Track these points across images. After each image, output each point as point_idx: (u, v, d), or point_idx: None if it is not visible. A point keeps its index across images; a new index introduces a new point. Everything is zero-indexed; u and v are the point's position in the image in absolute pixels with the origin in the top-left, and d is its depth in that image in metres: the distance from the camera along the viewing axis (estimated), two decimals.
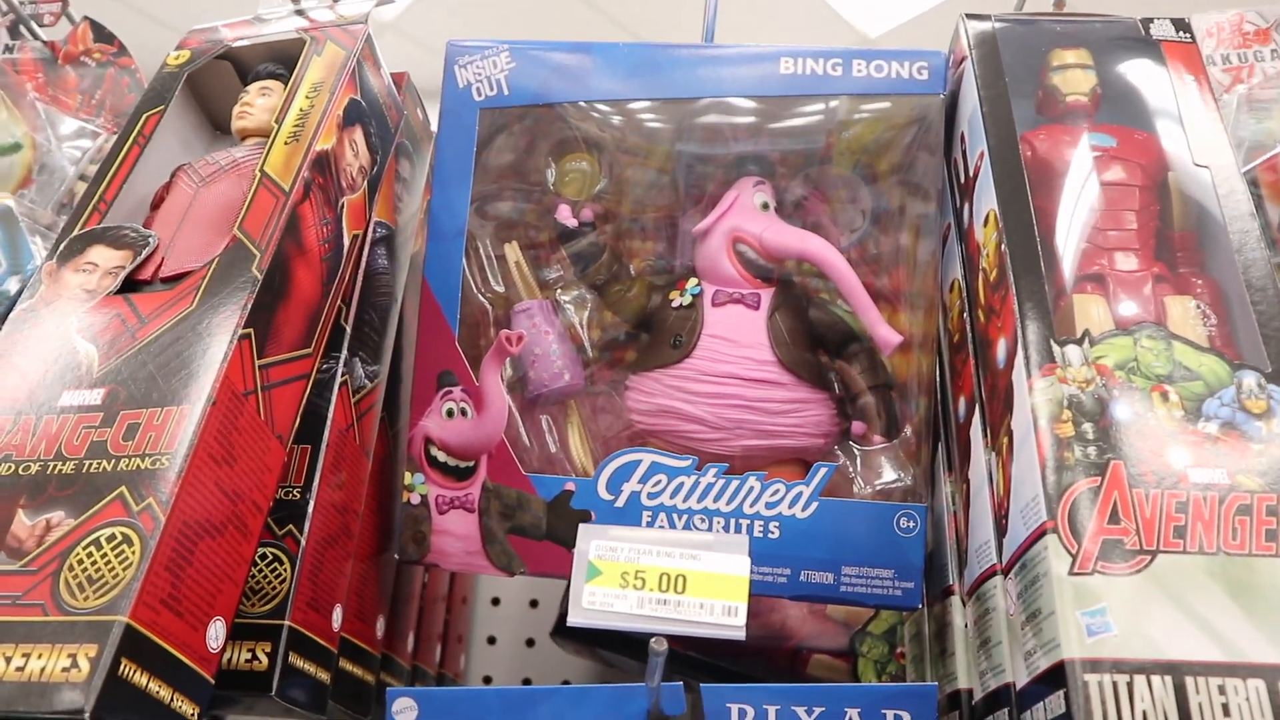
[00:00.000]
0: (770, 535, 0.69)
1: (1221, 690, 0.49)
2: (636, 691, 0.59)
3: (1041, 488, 0.56)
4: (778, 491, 0.70)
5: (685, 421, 0.73)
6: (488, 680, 1.07)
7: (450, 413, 0.74)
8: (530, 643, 1.08)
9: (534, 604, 1.09)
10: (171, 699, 0.50)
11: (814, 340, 0.76)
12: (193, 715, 0.51)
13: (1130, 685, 0.50)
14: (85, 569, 0.49)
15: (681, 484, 0.70)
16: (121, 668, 0.46)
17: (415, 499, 0.74)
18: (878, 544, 0.69)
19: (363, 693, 0.74)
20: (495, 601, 1.10)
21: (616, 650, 0.91)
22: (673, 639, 0.86)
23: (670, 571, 0.57)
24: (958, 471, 0.72)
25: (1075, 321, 0.63)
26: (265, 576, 0.63)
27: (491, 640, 1.08)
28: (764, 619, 0.89)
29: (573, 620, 0.57)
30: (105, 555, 0.49)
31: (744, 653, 0.89)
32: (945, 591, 0.71)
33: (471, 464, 0.73)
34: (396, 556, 0.74)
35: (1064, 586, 0.53)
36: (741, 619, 0.56)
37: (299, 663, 0.63)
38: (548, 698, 0.60)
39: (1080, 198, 0.69)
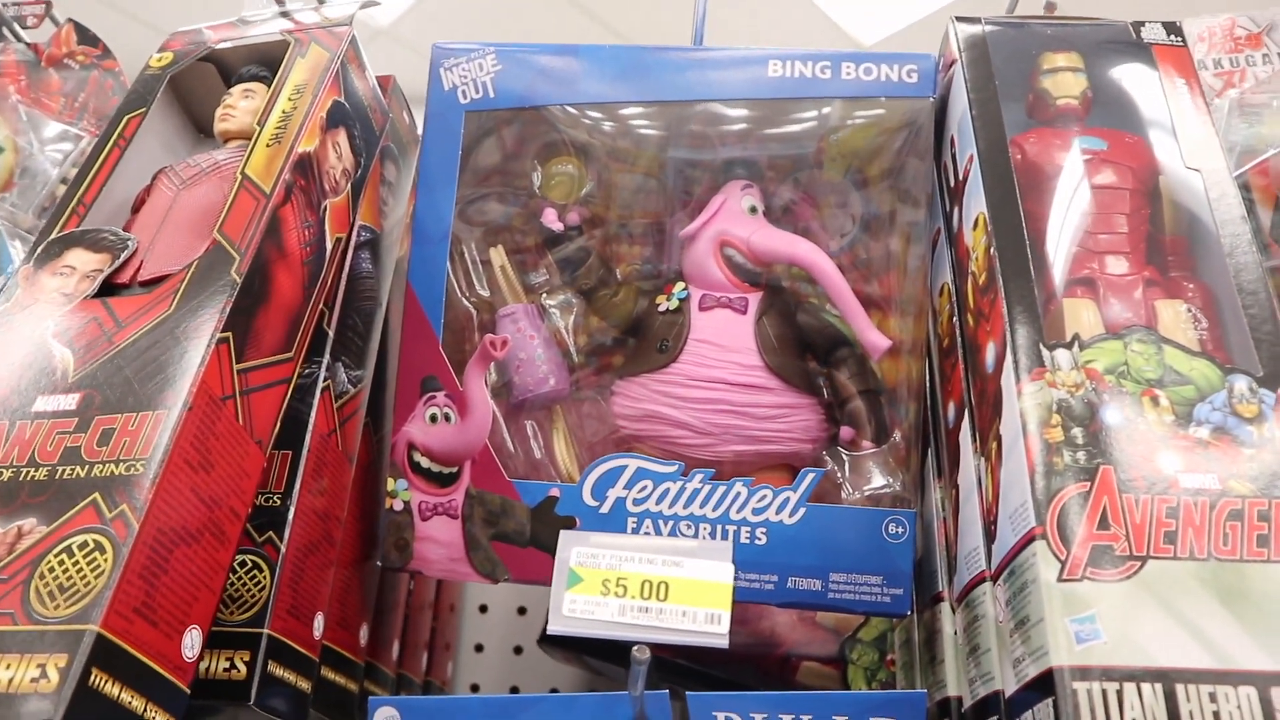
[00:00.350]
0: (757, 541, 0.68)
1: (1212, 698, 0.49)
2: (622, 700, 0.58)
3: (1030, 493, 0.56)
4: (765, 497, 0.69)
5: (672, 427, 0.72)
6: (475, 688, 1.06)
7: (434, 418, 0.73)
8: (518, 650, 1.07)
9: (522, 611, 1.08)
10: (145, 709, 0.49)
11: (802, 345, 0.75)
12: None
13: (1120, 693, 0.49)
14: (56, 577, 0.48)
15: (667, 490, 0.69)
16: (92, 678, 0.46)
17: (398, 505, 0.73)
18: (866, 550, 0.68)
19: (346, 701, 0.73)
20: (483, 609, 1.09)
21: (604, 658, 0.90)
22: (662, 646, 0.86)
23: (652, 579, 0.57)
24: (947, 477, 0.71)
25: (1065, 325, 0.63)
26: (244, 584, 0.62)
27: (479, 648, 1.07)
28: (753, 626, 0.88)
29: (553, 628, 0.56)
30: (77, 563, 0.48)
31: (733, 660, 0.88)
32: (935, 598, 0.70)
33: (455, 470, 0.72)
34: (379, 563, 0.73)
35: (1053, 593, 0.52)
36: (724, 627, 0.55)
37: (279, 671, 0.62)
38: (532, 706, 0.59)
39: (1070, 201, 0.69)
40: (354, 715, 0.74)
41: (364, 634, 0.77)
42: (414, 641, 0.93)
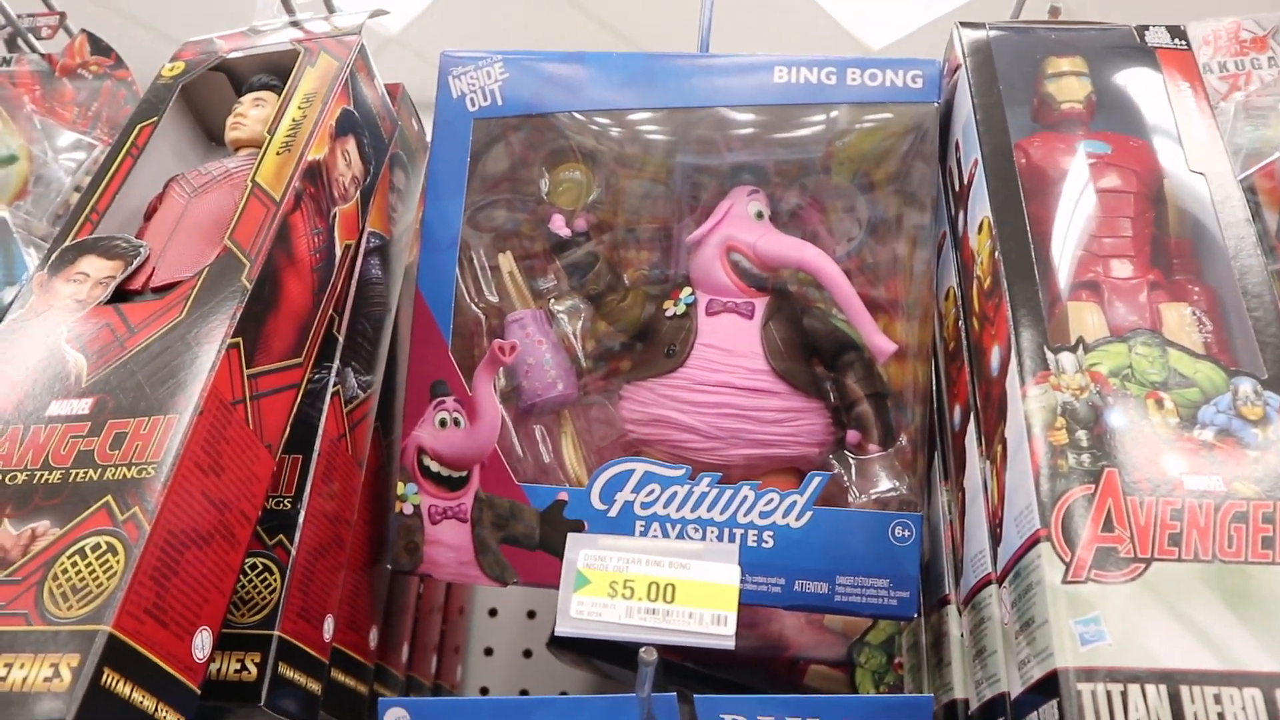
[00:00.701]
0: (764, 545, 0.69)
1: (1217, 699, 0.49)
2: (629, 702, 0.58)
3: (1035, 495, 0.56)
4: (772, 501, 0.69)
5: (679, 431, 0.72)
6: (484, 691, 1.07)
7: (443, 422, 0.74)
8: (528, 654, 1.07)
9: (531, 615, 1.08)
10: (156, 709, 0.49)
11: (809, 349, 0.75)
12: None
13: (1124, 694, 0.49)
14: (70, 578, 0.48)
15: (675, 493, 0.70)
16: (104, 678, 0.46)
17: (408, 509, 0.73)
18: (873, 553, 0.68)
19: (355, 704, 0.74)
20: (493, 613, 1.09)
21: (613, 661, 0.91)
22: (670, 649, 0.86)
23: (659, 580, 0.57)
24: (953, 480, 0.72)
25: (1069, 329, 0.63)
26: (255, 586, 0.63)
27: (489, 651, 1.08)
28: (762, 629, 0.88)
29: (560, 630, 0.56)
30: (90, 565, 0.49)
31: (742, 663, 0.88)
32: (942, 601, 0.71)
33: (464, 474, 0.73)
34: (389, 567, 0.74)
35: (1057, 595, 0.53)
36: (731, 628, 0.55)
37: (289, 673, 0.62)
38: (540, 708, 0.60)
39: (1075, 205, 0.69)
40: (363, 717, 0.74)
41: (374, 637, 0.78)
42: (424, 645, 0.93)
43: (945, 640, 0.69)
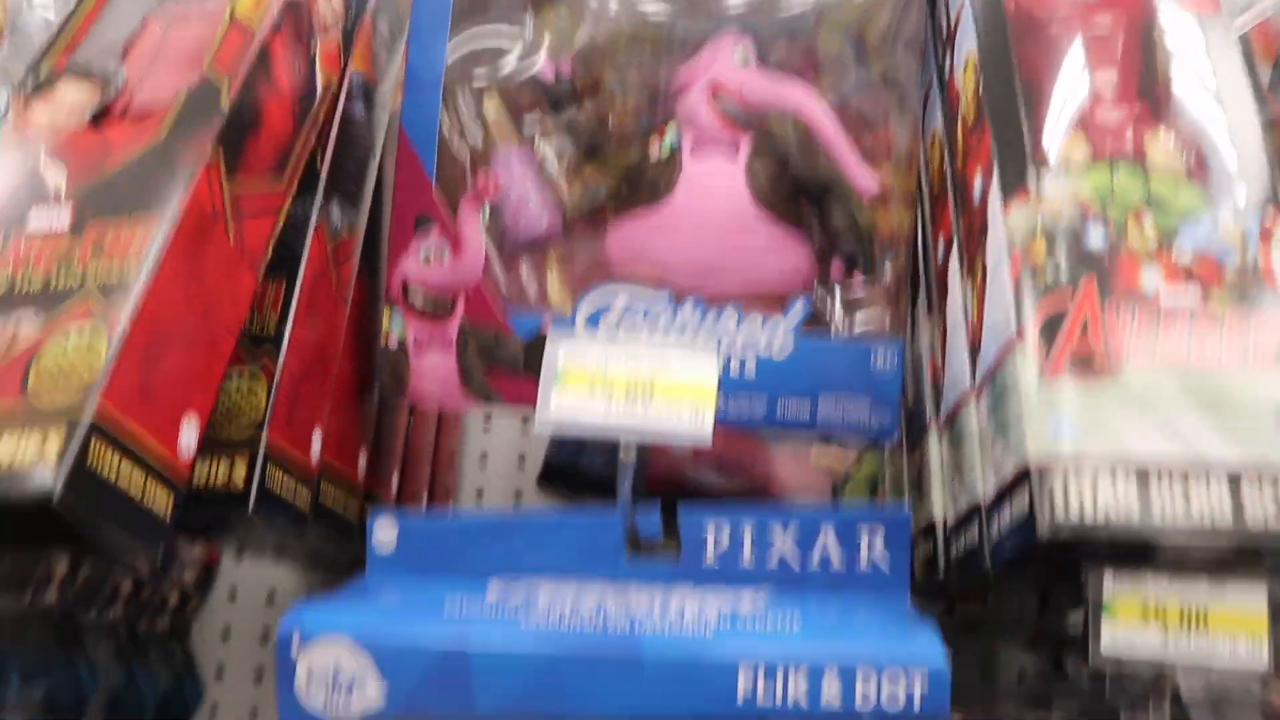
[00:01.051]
0: (747, 369, 0.69)
1: (1185, 492, 0.50)
2: (615, 517, 0.60)
3: (1014, 306, 0.57)
4: (755, 328, 0.70)
5: (664, 265, 0.73)
6: None
7: (427, 256, 0.74)
8: (519, 495, 1.09)
9: (522, 459, 1.10)
10: (145, 484, 0.50)
11: (793, 187, 0.75)
12: (166, 506, 0.52)
13: (1094, 484, 0.50)
14: (56, 361, 0.49)
15: (659, 319, 0.70)
16: (91, 450, 0.47)
17: (393, 342, 0.74)
18: (854, 378, 0.69)
19: (345, 521, 0.75)
20: (484, 457, 1.10)
21: (603, 497, 0.92)
22: (657, 488, 0.87)
23: (638, 379, 0.58)
24: (936, 311, 0.72)
25: (1051, 155, 0.63)
26: (242, 396, 0.63)
27: (480, 494, 1.09)
28: (751, 471, 0.90)
29: (539, 428, 0.57)
30: (75, 348, 0.49)
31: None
32: (923, 430, 0.72)
33: (449, 304, 0.73)
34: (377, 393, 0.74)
35: (1031, 393, 0.54)
36: (708, 424, 0.56)
37: (278, 478, 0.63)
38: (529, 521, 0.61)
39: (1062, 44, 0.68)
40: (354, 535, 0.75)
41: (362, 461, 0.78)
42: (413, 490, 0.94)
43: (926, 470, 0.70)
